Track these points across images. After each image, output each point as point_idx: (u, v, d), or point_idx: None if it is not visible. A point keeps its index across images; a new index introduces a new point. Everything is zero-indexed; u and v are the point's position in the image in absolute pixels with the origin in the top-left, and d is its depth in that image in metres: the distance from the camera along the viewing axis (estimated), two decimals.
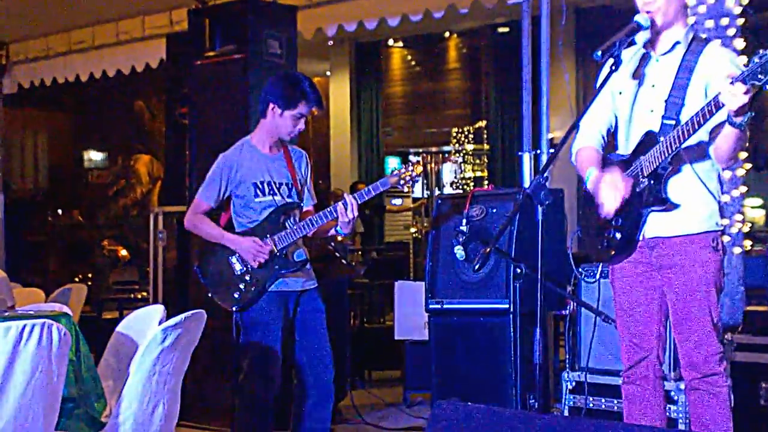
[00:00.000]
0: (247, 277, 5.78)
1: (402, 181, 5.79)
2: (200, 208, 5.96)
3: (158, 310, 5.48)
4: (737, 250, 7.92)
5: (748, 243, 8.23)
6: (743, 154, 7.90)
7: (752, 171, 12.76)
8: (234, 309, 5.80)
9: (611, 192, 4.57)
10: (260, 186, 5.84)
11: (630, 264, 4.70)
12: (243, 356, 5.83)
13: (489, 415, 4.15)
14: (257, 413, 5.81)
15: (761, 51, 4.00)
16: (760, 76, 3.98)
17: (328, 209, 5.71)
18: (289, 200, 5.89)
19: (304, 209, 6.01)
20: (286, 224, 5.84)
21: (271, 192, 5.84)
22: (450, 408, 4.35)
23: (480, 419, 4.12)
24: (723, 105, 4.13)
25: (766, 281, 8.50)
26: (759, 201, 13.68)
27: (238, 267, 5.80)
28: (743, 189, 8.09)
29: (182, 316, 4.71)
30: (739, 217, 7.94)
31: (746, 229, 8.12)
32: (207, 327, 4.99)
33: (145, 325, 5.35)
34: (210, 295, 5.91)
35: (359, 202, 5.69)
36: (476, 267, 5.20)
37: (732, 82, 4.04)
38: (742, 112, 4.14)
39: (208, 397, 7.65)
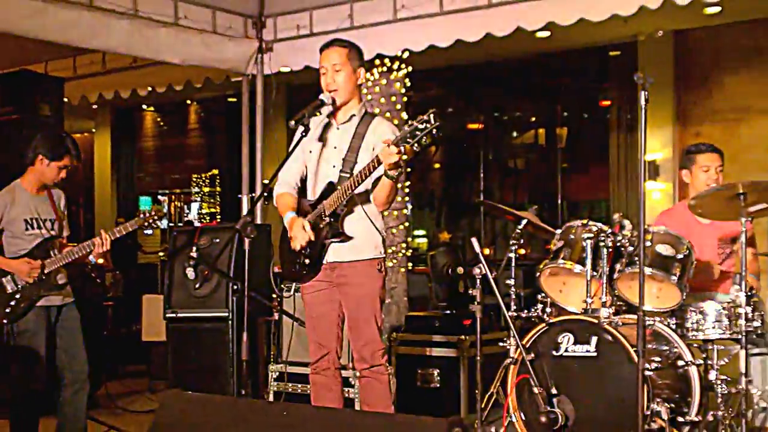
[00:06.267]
0: (18, 295, 5.53)
1: (146, 223, 5.72)
2: None
3: None
4: (402, 270, 8.14)
5: (410, 264, 8.49)
6: (407, 198, 8.16)
7: (416, 209, 13.23)
8: (5, 321, 5.52)
9: (300, 233, 4.63)
10: (29, 221, 5.63)
11: (316, 282, 4.75)
12: (13, 359, 5.59)
13: (204, 401, 4.11)
14: (27, 404, 5.64)
15: (410, 122, 4.15)
16: (408, 140, 4.13)
17: (87, 242, 5.60)
18: (53, 233, 5.70)
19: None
20: (52, 253, 5.64)
21: (38, 227, 5.64)
22: (174, 396, 4.27)
23: (197, 404, 4.07)
24: (381, 162, 4.26)
25: (427, 292, 8.80)
26: (423, 232, 14.08)
27: (9, 287, 5.55)
28: (407, 224, 8.33)
29: None
30: (404, 245, 8.17)
31: (409, 253, 8.37)
32: None
33: None
34: None
35: (112, 238, 5.59)
36: (197, 285, 5.16)
37: (388, 145, 4.17)
38: (394, 167, 4.27)
39: None
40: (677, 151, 10.21)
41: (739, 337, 4.79)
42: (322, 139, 4.77)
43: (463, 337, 6.54)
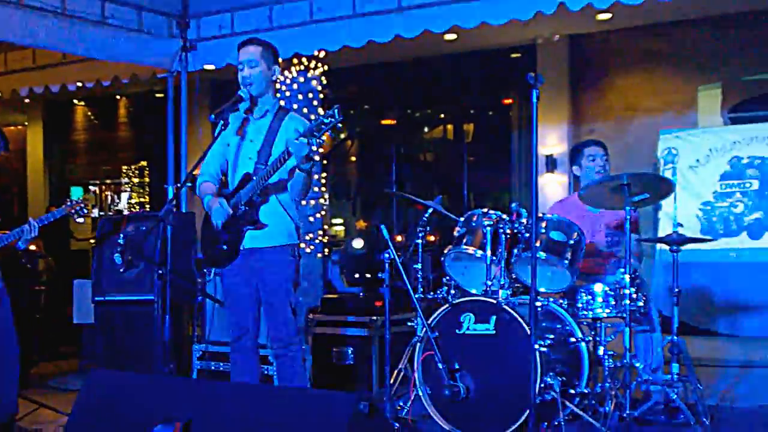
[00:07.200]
0: None
1: (73, 211, 5.56)
2: None
3: None
4: (319, 255, 8.13)
5: (326, 250, 8.47)
6: (324, 189, 8.14)
7: (334, 199, 13.20)
8: None
9: (219, 211, 4.60)
10: None
11: (235, 267, 4.72)
12: None
13: (128, 379, 4.05)
14: None
15: (316, 116, 4.17)
16: (315, 132, 4.18)
17: (17, 230, 5.42)
18: None
19: None
20: None
21: None
22: (100, 375, 4.21)
23: (121, 382, 4.01)
24: (291, 154, 4.26)
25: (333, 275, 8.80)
26: (340, 220, 14.05)
27: None
28: (324, 212, 8.31)
29: None
30: (320, 233, 8.16)
31: (325, 240, 8.36)
32: None
33: None
34: None
35: (40, 225, 5.42)
36: (122, 269, 5.06)
37: (297, 138, 4.18)
38: (305, 160, 4.26)
39: None
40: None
41: (625, 315, 4.91)
42: (240, 133, 4.75)
43: (374, 317, 6.56)
